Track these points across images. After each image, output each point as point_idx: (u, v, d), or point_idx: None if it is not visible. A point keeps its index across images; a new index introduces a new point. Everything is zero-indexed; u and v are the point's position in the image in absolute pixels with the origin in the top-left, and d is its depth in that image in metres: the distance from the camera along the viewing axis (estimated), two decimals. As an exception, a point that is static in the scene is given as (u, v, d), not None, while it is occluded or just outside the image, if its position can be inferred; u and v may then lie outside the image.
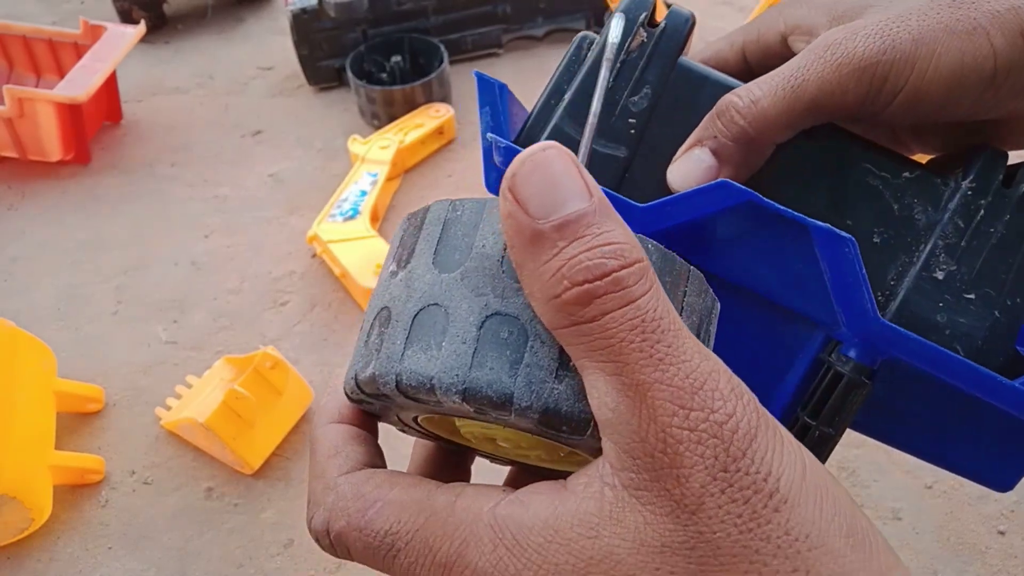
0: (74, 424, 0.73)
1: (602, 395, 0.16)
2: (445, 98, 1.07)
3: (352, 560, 0.19)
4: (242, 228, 0.94)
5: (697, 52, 0.29)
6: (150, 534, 0.66)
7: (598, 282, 0.15)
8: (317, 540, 0.20)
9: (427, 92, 1.04)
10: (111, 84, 1.06)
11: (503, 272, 0.18)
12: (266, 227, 0.93)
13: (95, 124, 1.07)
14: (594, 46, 0.27)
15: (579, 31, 1.25)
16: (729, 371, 0.16)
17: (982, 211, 0.25)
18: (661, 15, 0.27)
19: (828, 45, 0.22)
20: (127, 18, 1.25)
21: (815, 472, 0.16)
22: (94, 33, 1.03)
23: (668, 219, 0.24)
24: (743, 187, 0.23)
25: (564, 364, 0.17)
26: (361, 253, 0.81)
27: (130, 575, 0.63)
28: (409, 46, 1.10)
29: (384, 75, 1.08)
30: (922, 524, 0.64)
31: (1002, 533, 0.63)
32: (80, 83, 0.94)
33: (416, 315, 0.18)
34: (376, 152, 0.95)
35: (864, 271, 0.23)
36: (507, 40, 1.19)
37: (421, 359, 0.18)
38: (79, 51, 1.04)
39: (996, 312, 0.25)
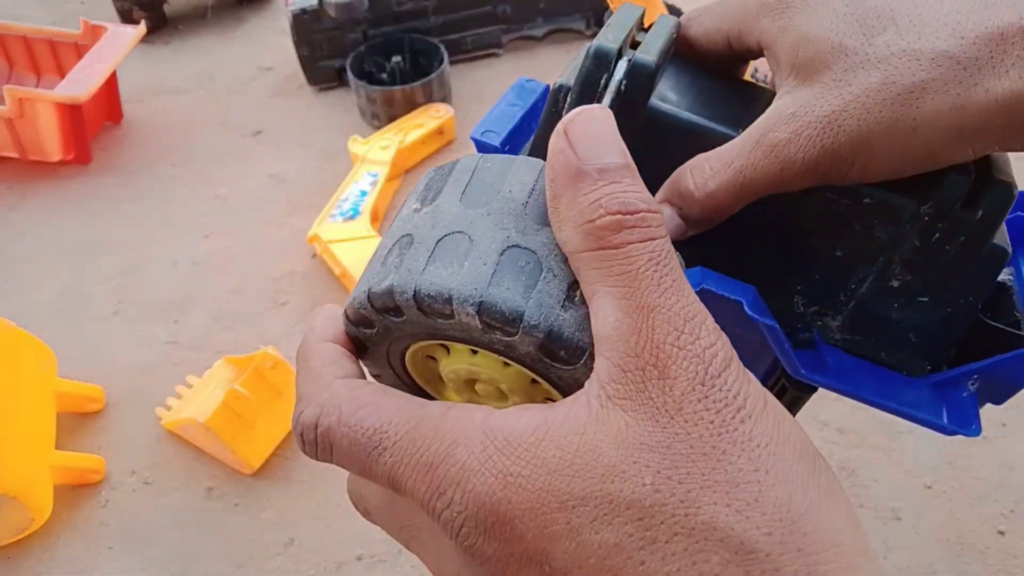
0: (74, 424, 0.74)
1: (607, 315, 0.18)
2: (445, 98, 1.07)
3: (330, 461, 0.20)
4: (242, 228, 0.94)
5: (691, 18, 0.29)
6: (150, 534, 0.66)
7: (628, 216, 0.18)
8: (301, 435, 0.20)
9: (427, 92, 1.04)
10: (111, 84, 1.06)
11: (526, 214, 0.20)
12: (266, 227, 0.94)
13: (95, 124, 1.07)
14: (569, 97, 0.28)
15: (579, 31, 1.25)
16: (705, 310, 0.19)
17: (938, 233, 0.26)
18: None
19: (772, 146, 0.24)
20: (127, 18, 1.25)
21: (774, 405, 0.18)
22: (94, 33, 1.03)
23: None
24: (700, 272, 0.27)
25: (571, 297, 0.19)
26: (361, 253, 0.81)
27: (130, 575, 0.63)
28: (409, 46, 1.10)
29: (384, 75, 1.08)
30: (922, 524, 0.64)
31: (1002, 533, 0.63)
32: (80, 83, 0.94)
33: (440, 239, 0.20)
34: (376, 152, 0.95)
35: (788, 344, 0.27)
36: (507, 40, 1.19)
37: (442, 273, 0.19)
38: (79, 51, 1.04)
39: (949, 308, 0.28)
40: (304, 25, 1.07)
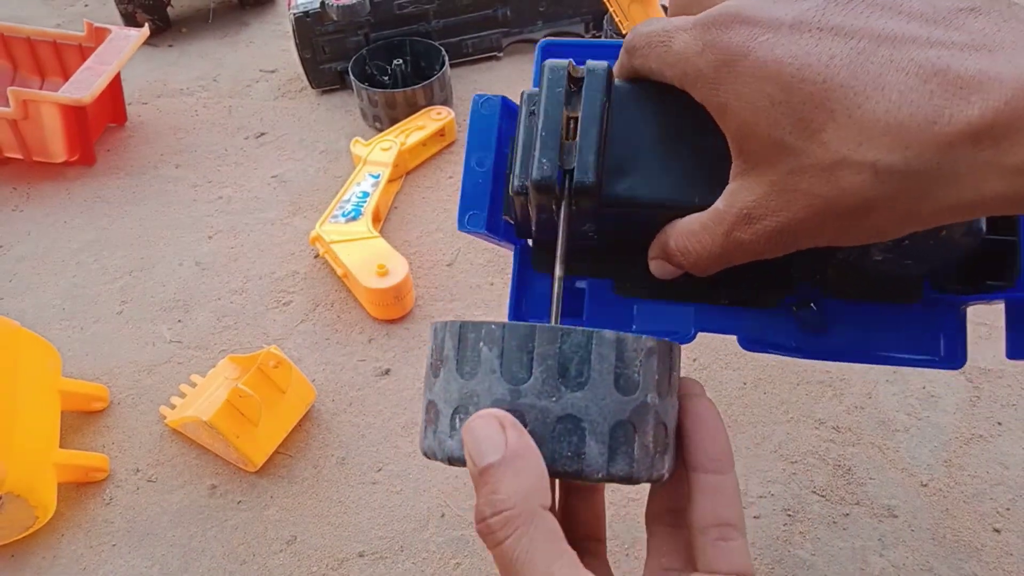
0: (79, 423, 0.74)
1: None
2: (446, 101, 1.08)
3: None
4: (246, 229, 0.94)
5: (636, 48, 0.29)
6: (154, 531, 0.66)
7: (481, 525, 0.22)
8: None
9: (428, 95, 1.04)
10: (115, 86, 1.07)
11: (429, 374, 0.27)
12: (269, 228, 0.94)
13: (100, 126, 1.08)
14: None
15: (579, 35, 1.26)
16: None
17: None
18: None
19: (739, 243, 0.25)
20: (131, 21, 1.26)
21: None
22: (98, 36, 1.04)
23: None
24: (695, 318, 0.34)
25: (453, 426, 0.25)
26: (363, 253, 0.82)
27: (134, 572, 0.64)
28: (410, 49, 1.11)
29: (386, 78, 1.09)
30: (918, 521, 0.64)
31: (998, 531, 0.64)
32: (84, 85, 0.95)
33: (424, 414, 0.27)
34: (378, 154, 0.96)
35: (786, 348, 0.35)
36: (507, 44, 1.20)
37: (420, 437, 0.27)
38: (83, 53, 1.04)
39: (932, 266, 0.32)
40: (306, 28, 1.08)
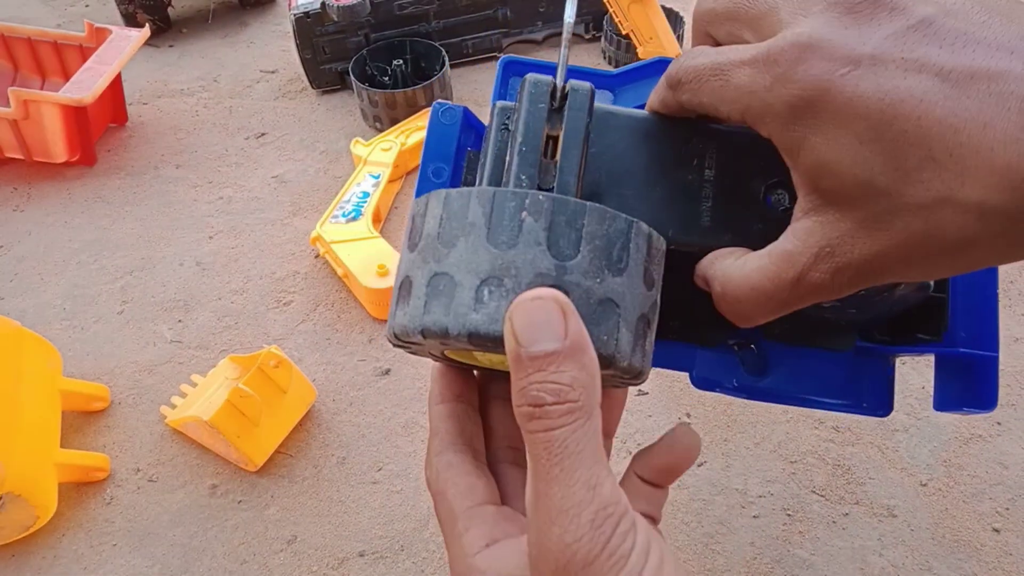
0: (79, 422, 0.74)
1: (526, 484, 0.22)
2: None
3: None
4: (246, 229, 0.94)
5: (682, 82, 0.26)
6: (155, 531, 0.66)
7: (535, 408, 0.21)
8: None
9: (428, 95, 1.05)
10: (116, 86, 1.07)
11: (438, 244, 0.24)
12: (270, 228, 0.94)
13: (100, 126, 1.08)
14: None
15: (578, 35, 1.25)
16: (601, 501, 0.21)
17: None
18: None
19: (813, 286, 0.23)
20: (131, 21, 1.26)
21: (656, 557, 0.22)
22: (99, 36, 1.04)
23: None
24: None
25: (480, 299, 0.22)
26: (363, 254, 0.82)
27: (134, 572, 0.64)
28: (411, 50, 1.11)
29: (386, 78, 1.09)
30: (917, 521, 0.64)
31: (997, 531, 0.64)
32: (85, 85, 0.95)
33: (399, 284, 0.25)
34: (378, 154, 0.96)
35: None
36: (507, 44, 1.20)
37: (398, 316, 0.25)
38: (84, 54, 1.05)
39: (875, 315, 0.33)
40: (307, 28, 1.08)
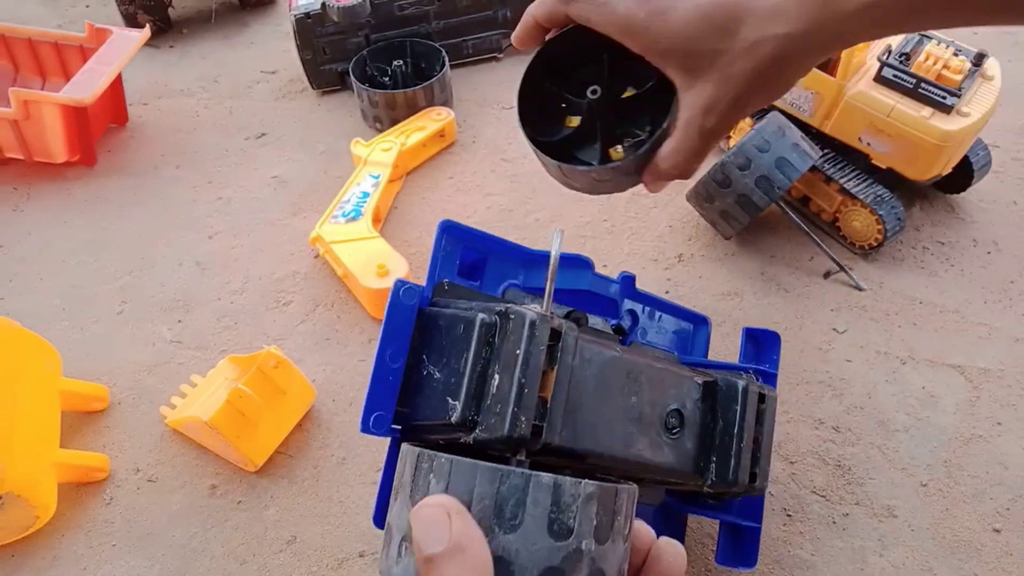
0: (79, 423, 0.74)
1: None
2: (446, 102, 1.08)
3: None
4: (246, 229, 0.94)
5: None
6: (154, 531, 0.66)
7: None
8: None
9: (428, 96, 1.05)
10: (117, 87, 1.07)
11: (394, 495, 0.26)
12: (270, 228, 0.94)
13: (100, 126, 1.08)
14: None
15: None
16: None
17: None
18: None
19: (710, 133, 0.35)
20: (132, 22, 1.26)
21: None
22: (99, 36, 1.04)
23: None
24: None
25: (400, 554, 0.24)
26: (363, 254, 0.82)
27: (134, 572, 0.64)
28: (411, 50, 1.11)
29: (386, 79, 1.09)
30: (917, 521, 0.64)
31: (997, 531, 0.64)
32: (86, 86, 0.95)
33: (384, 535, 0.27)
34: (378, 154, 0.96)
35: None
36: (507, 45, 1.20)
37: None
38: (84, 54, 1.05)
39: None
40: (307, 29, 1.08)
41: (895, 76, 0.80)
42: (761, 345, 0.56)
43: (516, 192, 0.97)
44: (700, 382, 0.40)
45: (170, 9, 1.30)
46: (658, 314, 0.59)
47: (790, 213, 0.84)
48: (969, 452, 0.69)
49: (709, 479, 0.40)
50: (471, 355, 0.30)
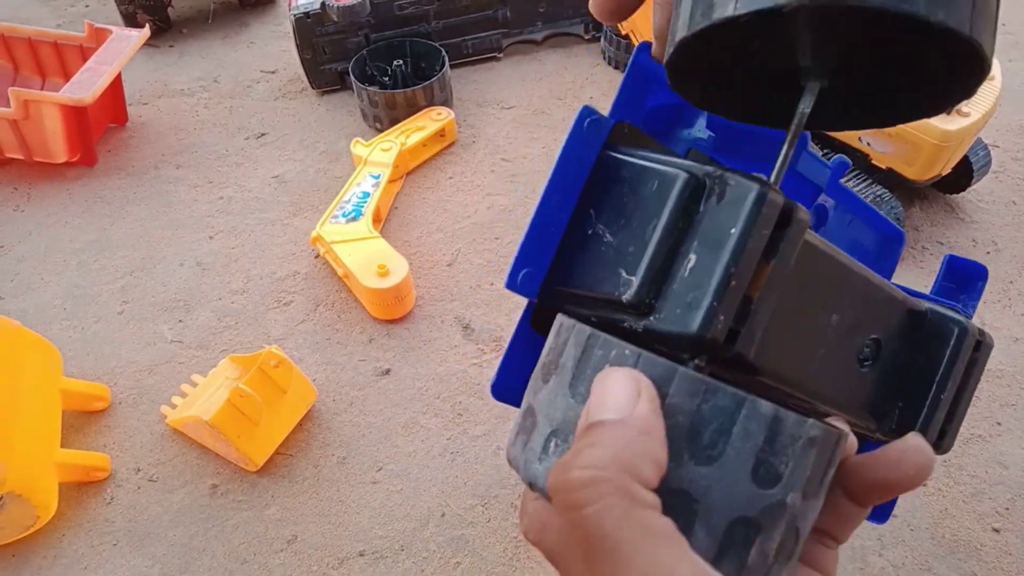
0: (80, 422, 0.74)
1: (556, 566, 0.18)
2: (446, 101, 1.08)
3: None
4: (246, 229, 0.94)
5: None
6: (155, 531, 0.66)
7: (558, 479, 0.18)
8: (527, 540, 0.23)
9: (428, 95, 1.05)
10: (116, 87, 1.07)
11: (539, 375, 0.22)
12: (270, 228, 0.94)
13: (100, 126, 1.08)
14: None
15: (578, 36, 1.25)
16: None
17: None
18: None
19: None
20: (132, 22, 1.26)
21: None
22: (99, 36, 1.04)
23: None
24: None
25: (546, 450, 0.20)
26: (364, 254, 0.82)
27: (135, 571, 0.64)
28: (411, 50, 1.11)
29: (386, 79, 1.09)
30: (917, 521, 0.64)
31: (997, 531, 0.64)
32: (85, 85, 0.95)
33: (520, 417, 0.23)
34: (378, 154, 0.96)
35: None
36: (507, 44, 1.20)
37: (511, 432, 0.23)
38: (84, 54, 1.05)
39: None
40: (307, 29, 1.08)
41: (895, 76, 0.80)
42: (962, 281, 0.41)
43: (516, 192, 0.97)
44: (908, 310, 0.30)
45: (170, 9, 1.30)
46: (849, 216, 0.42)
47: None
48: (969, 452, 0.69)
49: (888, 426, 0.31)
50: (663, 222, 0.23)
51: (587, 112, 0.26)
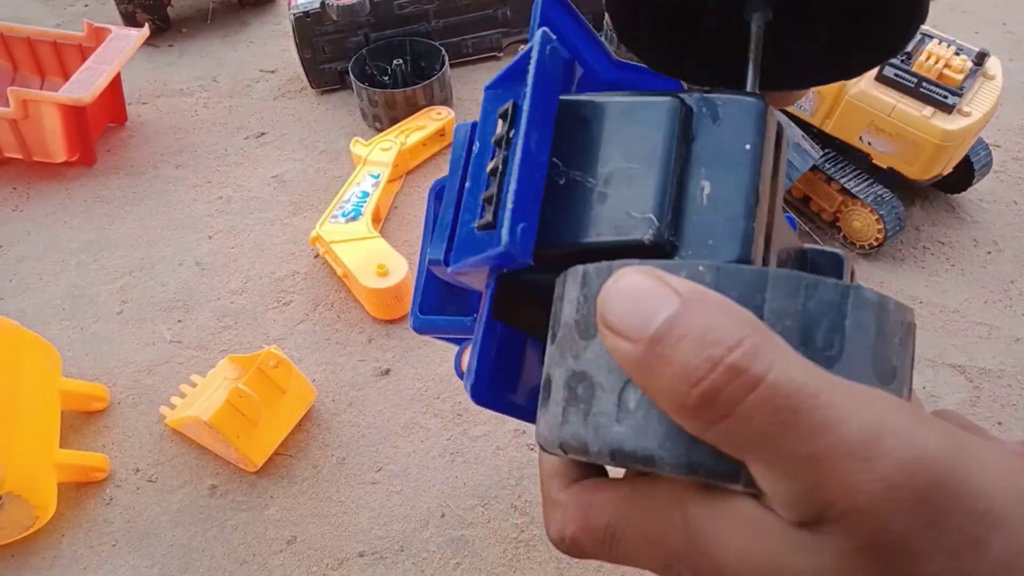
0: (79, 422, 0.74)
1: (772, 485, 0.15)
2: (446, 100, 1.08)
3: (589, 557, 0.20)
4: (246, 229, 0.94)
5: None
6: (154, 531, 0.66)
7: (714, 376, 0.14)
8: (557, 546, 0.20)
9: (428, 95, 1.04)
10: (116, 86, 1.07)
11: (575, 335, 0.19)
12: (269, 228, 0.94)
13: (100, 126, 1.08)
14: None
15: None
16: (892, 399, 0.15)
17: None
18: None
19: None
20: (131, 21, 1.26)
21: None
22: (98, 36, 1.04)
23: None
24: None
25: (624, 406, 0.17)
26: (363, 253, 0.82)
27: (134, 572, 0.64)
28: (410, 49, 1.11)
29: (386, 78, 1.09)
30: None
31: (997, 531, 0.64)
32: (85, 85, 0.95)
33: (542, 383, 0.20)
34: (378, 154, 0.96)
35: None
36: (507, 44, 1.20)
37: (541, 422, 0.20)
38: (83, 53, 1.04)
39: None
40: (306, 28, 1.08)
41: (896, 75, 0.80)
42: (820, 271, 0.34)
43: (516, 191, 0.97)
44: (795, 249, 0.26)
45: (169, 8, 1.30)
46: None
47: (790, 213, 0.84)
48: (969, 452, 0.69)
49: None
50: (663, 152, 0.21)
51: (547, 38, 0.23)
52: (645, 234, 0.20)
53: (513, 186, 0.21)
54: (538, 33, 0.22)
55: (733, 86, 0.23)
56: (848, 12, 0.23)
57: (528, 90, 0.22)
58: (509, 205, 0.21)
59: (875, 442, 0.14)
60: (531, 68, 0.22)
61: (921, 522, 0.14)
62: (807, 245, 0.26)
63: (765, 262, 0.20)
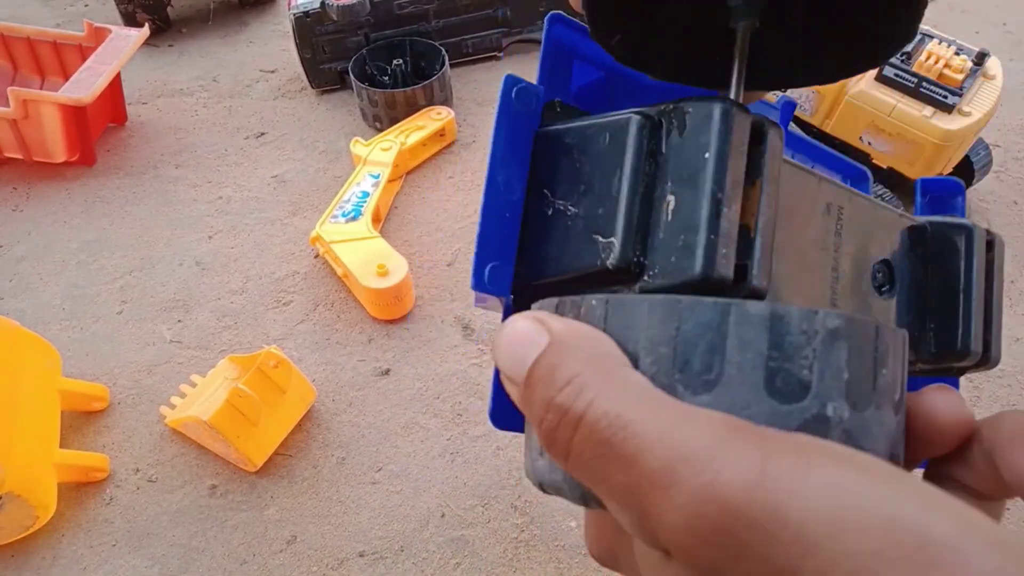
0: (79, 422, 0.74)
1: (617, 516, 0.15)
2: (446, 101, 1.08)
3: (620, 571, 0.19)
4: (246, 229, 0.94)
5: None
6: (154, 531, 0.66)
7: (549, 417, 0.15)
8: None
9: (428, 95, 1.04)
10: (116, 86, 1.07)
11: None
12: (269, 228, 0.94)
13: (100, 126, 1.08)
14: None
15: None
16: (707, 419, 0.14)
17: None
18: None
19: None
20: (131, 21, 1.26)
21: None
22: (98, 36, 1.04)
23: None
24: None
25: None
26: (363, 253, 0.82)
27: (134, 572, 0.64)
28: (410, 49, 1.11)
29: (386, 78, 1.09)
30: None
31: (997, 531, 0.64)
32: (85, 85, 0.95)
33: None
34: (378, 154, 0.96)
35: None
36: (507, 44, 1.20)
37: (525, 455, 0.20)
38: (83, 53, 1.04)
39: None
40: (306, 28, 1.08)
41: (896, 75, 0.80)
42: (941, 200, 0.36)
43: (516, 191, 0.97)
44: (907, 227, 0.26)
45: (169, 8, 1.30)
46: (809, 163, 0.38)
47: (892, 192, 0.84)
48: (969, 452, 0.69)
49: (928, 351, 0.27)
50: (627, 170, 0.20)
51: (512, 80, 0.23)
52: (609, 259, 0.20)
53: (478, 229, 0.22)
54: (503, 78, 0.24)
55: (721, 84, 0.22)
56: (831, 20, 0.23)
57: (492, 133, 0.23)
58: (475, 248, 0.22)
59: (671, 470, 0.13)
60: (496, 113, 0.23)
61: (726, 554, 0.13)
62: (932, 218, 0.25)
63: (743, 269, 0.19)
